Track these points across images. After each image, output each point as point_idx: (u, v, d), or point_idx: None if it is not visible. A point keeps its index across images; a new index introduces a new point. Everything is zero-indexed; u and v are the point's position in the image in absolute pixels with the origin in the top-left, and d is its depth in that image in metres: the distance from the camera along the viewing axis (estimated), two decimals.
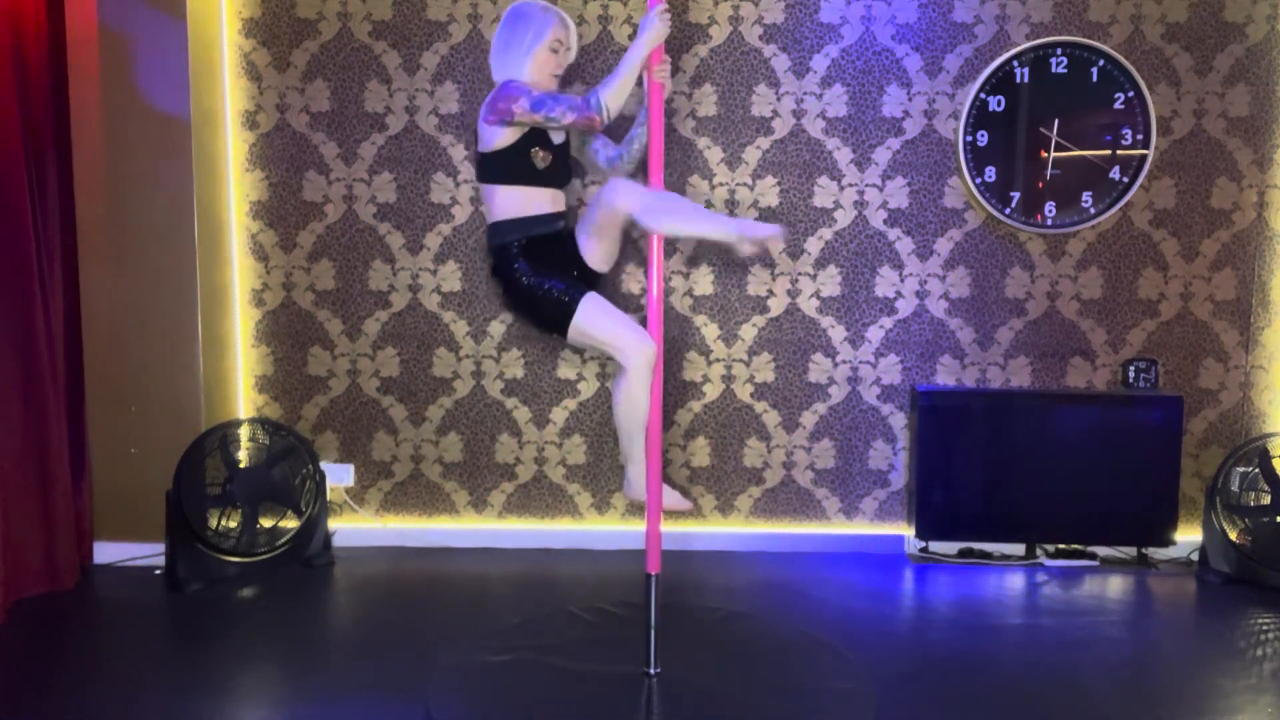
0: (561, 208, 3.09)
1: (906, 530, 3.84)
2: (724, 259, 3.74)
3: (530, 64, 2.99)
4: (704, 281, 3.77)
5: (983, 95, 3.62)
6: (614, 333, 2.88)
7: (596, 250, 3.03)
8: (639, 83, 3.04)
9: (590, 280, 3.07)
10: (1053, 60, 3.60)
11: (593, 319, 2.91)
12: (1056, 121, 3.63)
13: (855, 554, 3.82)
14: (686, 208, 2.87)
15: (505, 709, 2.48)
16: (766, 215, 3.73)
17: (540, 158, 2.96)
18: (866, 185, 3.73)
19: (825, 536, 3.86)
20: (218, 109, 3.67)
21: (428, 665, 2.70)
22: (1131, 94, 3.59)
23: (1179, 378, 3.78)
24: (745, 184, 3.73)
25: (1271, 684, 2.71)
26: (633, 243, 3.58)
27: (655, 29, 2.75)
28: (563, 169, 3.07)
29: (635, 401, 2.82)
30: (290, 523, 3.60)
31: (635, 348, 2.80)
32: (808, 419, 3.83)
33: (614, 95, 2.82)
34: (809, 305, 3.78)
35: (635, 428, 2.90)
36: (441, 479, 3.87)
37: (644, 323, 2.83)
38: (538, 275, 2.96)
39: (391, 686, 2.62)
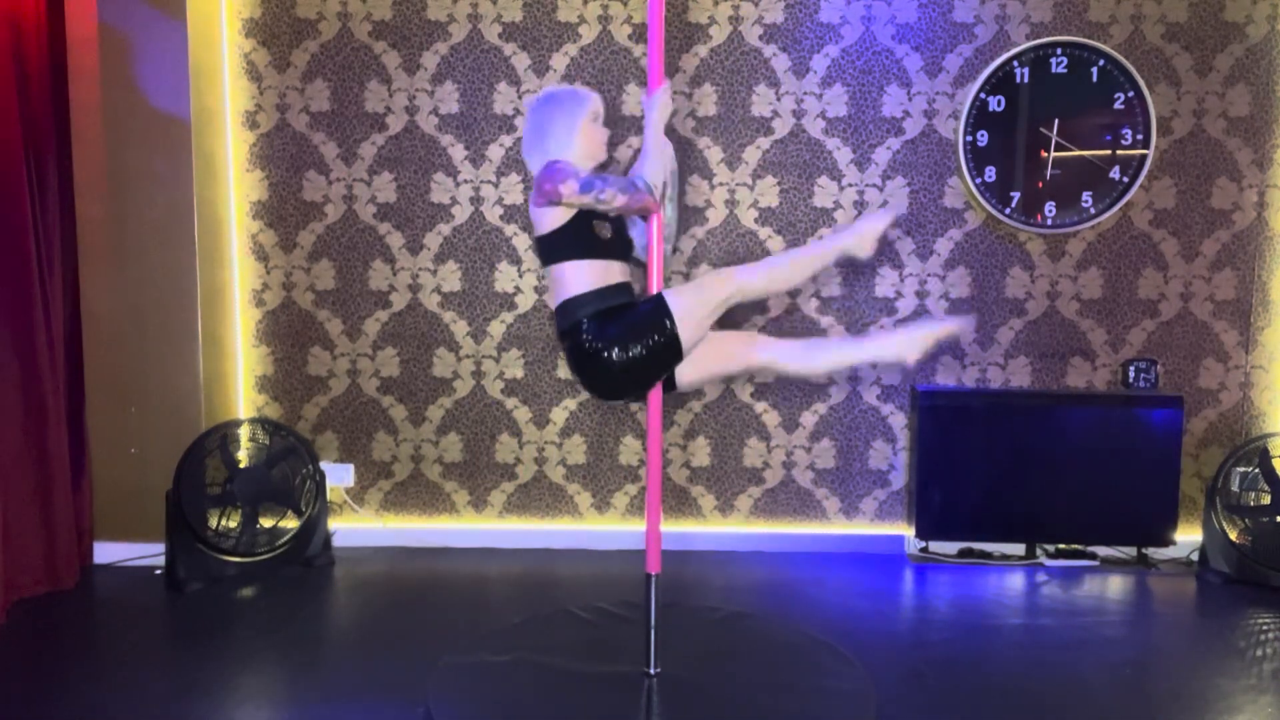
0: (629, 279, 2.73)
1: (906, 530, 3.84)
2: (724, 258, 3.74)
3: (579, 139, 2.68)
4: None
5: (983, 95, 3.62)
6: (715, 287, 2.58)
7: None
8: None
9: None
10: (1053, 60, 3.60)
11: (688, 296, 2.57)
12: (1056, 121, 3.63)
13: (855, 554, 3.82)
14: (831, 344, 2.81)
15: (505, 709, 2.48)
16: (766, 215, 3.73)
17: (602, 229, 2.66)
18: (866, 185, 3.73)
19: (825, 536, 3.86)
20: (218, 109, 3.67)
21: (428, 665, 2.70)
22: (1131, 94, 3.59)
23: (1179, 378, 3.78)
24: (745, 184, 3.73)
25: (1271, 684, 2.71)
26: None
27: (660, 105, 2.63)
28: (624, 240, 2.77)
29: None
30: (290, 523, 3.60)
31: (744, 273, 2.57)
32: (808, 419, 3.83)
33: (653, 176, 2.62)
34: (809, 305, 3.78)
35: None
36: (441, 479, 3.87)
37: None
38: (614, 323, 2.59)
39: (391, 686, 2.62)
